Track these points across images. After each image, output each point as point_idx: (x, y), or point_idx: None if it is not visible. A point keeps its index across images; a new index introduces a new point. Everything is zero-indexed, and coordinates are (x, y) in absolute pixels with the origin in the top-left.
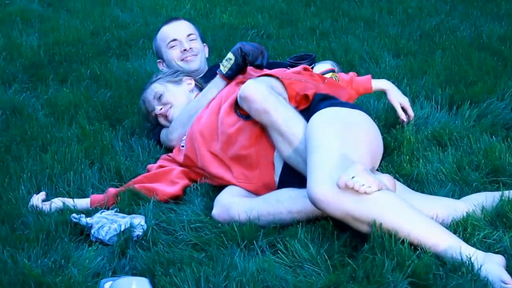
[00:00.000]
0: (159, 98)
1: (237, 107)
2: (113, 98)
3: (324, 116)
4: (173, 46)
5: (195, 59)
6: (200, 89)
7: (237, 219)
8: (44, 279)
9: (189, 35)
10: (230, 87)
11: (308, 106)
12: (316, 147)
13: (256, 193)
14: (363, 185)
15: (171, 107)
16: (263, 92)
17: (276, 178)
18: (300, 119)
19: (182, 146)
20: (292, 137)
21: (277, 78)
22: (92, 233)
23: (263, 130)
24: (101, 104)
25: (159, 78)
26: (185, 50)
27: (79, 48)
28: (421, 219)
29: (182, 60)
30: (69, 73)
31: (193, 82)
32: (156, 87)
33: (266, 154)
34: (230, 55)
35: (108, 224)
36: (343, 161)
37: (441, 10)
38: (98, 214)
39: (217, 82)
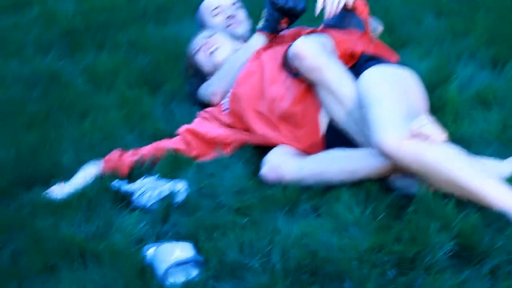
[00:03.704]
0: (212, 34)
1: (285, 64)
2: (152, 64)
3: (376, 72)
4: (217, 14)
5: (240, 26)
6: None
7: (286, 178)
8: (88, 245)
9: (234, 3)
10: (269, 48)
11: (354, 65)
12: (377, 100)
13: (305, 152)
14: (434, 134)
15: (218, 47)
16: (315, 49)
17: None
18: (351, 79)
19: (225, 109)
20: (343, 96)
21: (328, 35)
22: (134, 199)
23: (309, 88)
24: (140, 70)
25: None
26: (229, 16)
27: (115, 14)
28: (486, 174)
29: (227, 27)
30: (106, 39)
31: None
32: (213, 31)
33: (312, 112)
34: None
35: (149, 190)
36: (409, 111)
37: None
38: (139, 180)
39: (256, 38)
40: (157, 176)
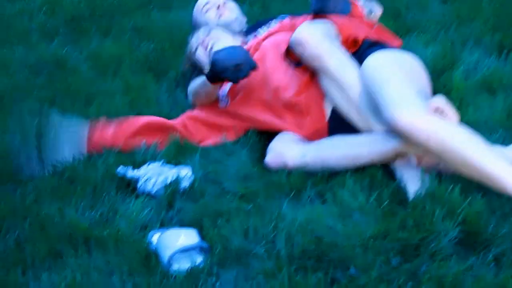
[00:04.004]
0: (209, 31)
1: (287, 53)
2: (157, 50)
3: (381, 56)
4: (208, 10)
5: (232, 12)
6: None
7: (290, 165)
8: (92, 232)
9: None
10: (269, 36)
11: (356, 51)
12: (386, 81)
13: (309, 138)
14: (450, 113)
15: (216, 41)
16: (317, 37)
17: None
18: (353, 66)
19: (224, 101)
20: (346, 84)
21: (331, 21)
22: (139, 185)
23: (312, 77)
24: (145, 56)
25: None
26: (219, 6)
27: (120, 0)
28: (499, 157)
29: (219, 17)
30: (111, 26)
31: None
32: (211, 26)
33: (317, 101)
34: None
35: (154, 176)
36: (419, 90)
37: None
38: (144, 167)
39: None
40: (162, 162)
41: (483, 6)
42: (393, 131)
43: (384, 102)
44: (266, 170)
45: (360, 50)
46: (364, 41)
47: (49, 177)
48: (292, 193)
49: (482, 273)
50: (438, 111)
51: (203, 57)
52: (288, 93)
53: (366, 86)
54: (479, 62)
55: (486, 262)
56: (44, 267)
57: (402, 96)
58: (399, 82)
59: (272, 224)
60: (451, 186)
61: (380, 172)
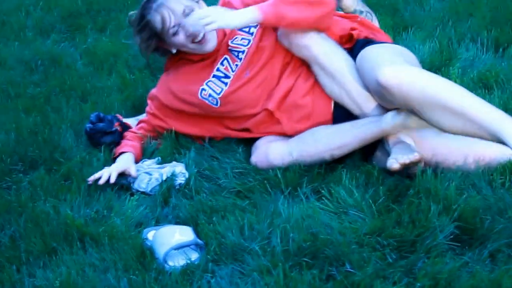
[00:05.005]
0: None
1: None
2: None
3: (374, 47)
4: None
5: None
6: None
7: (276, 164)
8: (87, 229)
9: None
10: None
11: (351, 48)
12: (378, 54)
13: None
14: None
15: (208, 37)
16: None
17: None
18: (342, 52)
19: (213, 103)
20: (335, 71)
21: None
22: (134, 183)
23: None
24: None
25: None
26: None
27: None
28: (483, 104)
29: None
30: (107, 22)
31: None
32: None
33: (324, 104)
34: None
35: (147, 176)
36: (411, 63)
37: None
38: (139, 164)
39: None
40: (157, 159)
41: (480, 3)
42: (381, 90)
43: (374, 66)
44: None
45: (355, 47)
46: (357, 40)
47: (44, 174)
48: (288, 190)
49: (478, 269)
50: None
51: (183, 43)
52: (294, 96)
53: (360, 66)
54: (475, 58)
55: (482, 258)
56: (39, 264)
57: (391, 60)
58: (389, 54)
59: (268, 221)
60: (447, 182)
61: (376, 169)
